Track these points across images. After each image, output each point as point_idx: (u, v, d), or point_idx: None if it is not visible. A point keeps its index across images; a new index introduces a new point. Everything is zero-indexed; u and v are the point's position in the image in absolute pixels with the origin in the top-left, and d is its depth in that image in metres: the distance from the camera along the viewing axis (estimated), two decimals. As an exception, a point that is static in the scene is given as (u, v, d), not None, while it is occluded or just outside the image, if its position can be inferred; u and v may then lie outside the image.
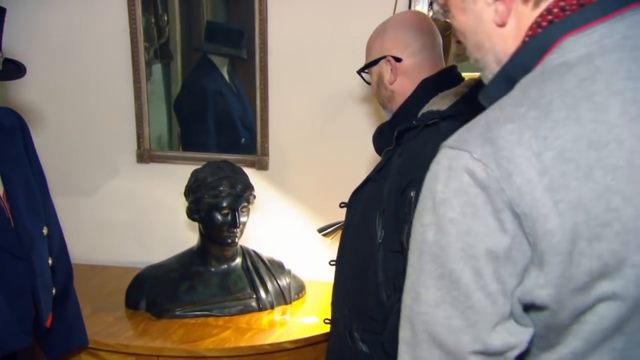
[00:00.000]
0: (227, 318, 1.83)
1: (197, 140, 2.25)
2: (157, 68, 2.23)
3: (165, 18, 2.18)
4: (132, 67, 2.12)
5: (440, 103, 1.25)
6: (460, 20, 0.76)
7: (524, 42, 0.69)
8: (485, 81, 0.76)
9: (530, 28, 0.68)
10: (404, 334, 0.72)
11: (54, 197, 1.62)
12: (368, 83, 1.44)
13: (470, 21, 0.74)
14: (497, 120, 0.65)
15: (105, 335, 1.71)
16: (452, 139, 0.68)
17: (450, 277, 0.65)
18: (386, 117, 1.43)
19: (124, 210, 2.22)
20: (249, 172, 1.95)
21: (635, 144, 0.60)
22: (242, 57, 2.14)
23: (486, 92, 0.74)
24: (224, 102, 2.22)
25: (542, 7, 0.67)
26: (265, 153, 2.12)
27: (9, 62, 1.39)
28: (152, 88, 2.19)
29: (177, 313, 1.83)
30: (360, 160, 1.93)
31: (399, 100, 1.34)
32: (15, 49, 2.01)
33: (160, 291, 1.87)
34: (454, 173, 0.65)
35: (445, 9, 0.78)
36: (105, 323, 1.78)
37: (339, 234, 1.96)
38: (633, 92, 0.61)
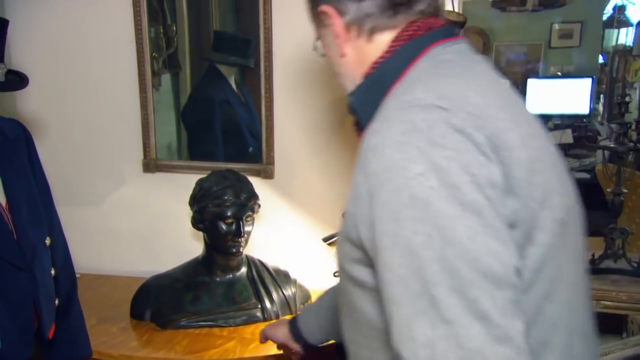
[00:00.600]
0: (231, 328, 1.82)
1: (205, 149, 2.26)
2: (166, 78, 2.24)
3: (174, 28, 2.19)
4: (138, 77, 2.13)
5: None
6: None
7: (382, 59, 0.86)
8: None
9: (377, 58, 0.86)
10: (442, 281, 0.64)
11: (60, 207, 1.62)
12: None
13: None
14: (433, 84, 0.76)
15: (108, 346, 1.70)
16: (413, 102, 0.74)
17: (473, 208, 0.65)
18: None
19: (130, 220, 2.23)
20: (255, 181, 1.94)
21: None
22: (250, 66, 2.14)
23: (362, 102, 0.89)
24: (231, 111, 2.22)
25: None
26: (270, 162, 2.11)
27: (11, 73, 1.40)
28: (160, 98, 2.20)
29: (182, 323, 1.82)
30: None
31: None
32: (21, 60, 2.03)
33: (165, 301, 1.86)
34: (431, 124, 0.69)
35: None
36: (110, 334, 1.78)
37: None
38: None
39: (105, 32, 2.12)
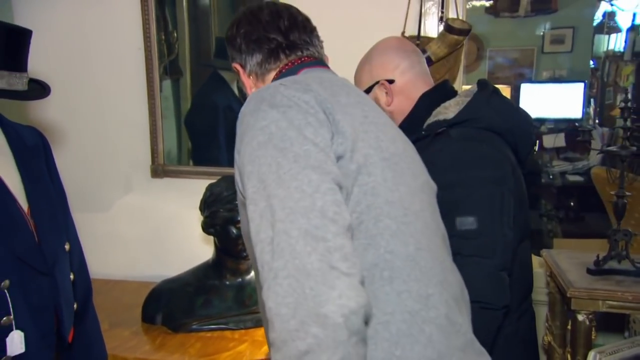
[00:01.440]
0: (243, 331, 1.85)
1: (209, 155, 2.28)
2: (167, 84, 2.27)
3: (175, 35, 2.22)
4: (146, 84, 2.17)
5: (445, 113, 1.32)
6: None
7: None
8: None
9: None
10: (276, 194, 0.85)
11: (72, 213, 1.65)
12: None
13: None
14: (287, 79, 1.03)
15: (122, 350, 1.73)
16: (267, 86, 1.02)
17: (298, 142, 0.88)
18: None
19: (139, 225, 2.26)
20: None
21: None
22: None
23: None
24: (234, 116, 2.24)
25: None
26: (278, 167, 2.14)
27: (33, 82, 1.42)
28: (163, 104, 2.22)
29: (194, 327, 1.85)
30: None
31: (399, 117, 1.39)
32: (31, 67, 2.05)
33: (176, 305, 1.88)
34: (272, 93, 0.95)
35: None
36: (122, 338, 1.81)
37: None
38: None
39: (113, 39, 2.16)
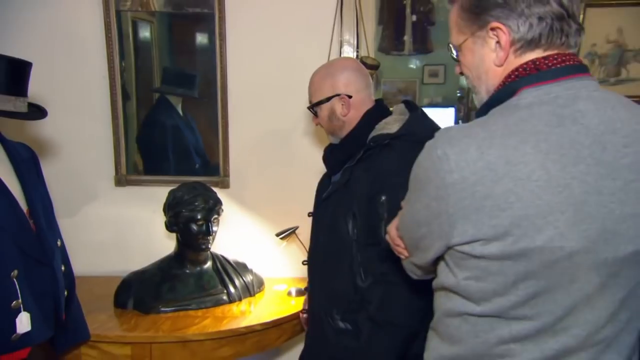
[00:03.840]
0: (204, 310, 1.93)
1: (160, 166, 2.33)
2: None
3: (123, 64, 2.26)
4: (110, 107, 2.20)
5: (388, 128, 1.40)
6: (468, 58, 0.92)
7: (502, 84, 0.86)
8: (477, 102, 0.94)
9: (508, 76, 0.85)
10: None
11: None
12: (316, 115, 1.54)
13: (476, 60, 0.91)
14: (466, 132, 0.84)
15: (103, 330, 1.76)
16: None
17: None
18: (333, 141, 1.55)
19: (104, 227, 2.27)
20: (214, 190, 2.07)
21: (535, 168, 0.76)
22: (195, 96, 2.26)
23: (479, 112, 0.91)
24: (180, 134, 2.31)
25: (524, 59, 0.85)
26: (227, 174, 2.26)
27: (32, 105, 1.47)
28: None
29: (162, 309, 1.90)
30: (303, 180, 2.07)
31: (348, 128, 1.48)
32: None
33: (145, 292, 1.93)
34: None
35: (458, 49, 0.93)
36: (100, 321, 1.82)
37: (293, 236, 2.15)
38: (545, 135, 0.78)
39: (82, 68, 2.17)
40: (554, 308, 0.80)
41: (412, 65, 5.63)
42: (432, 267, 0.94)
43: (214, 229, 1.96)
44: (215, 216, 1.97)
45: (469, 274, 0.83)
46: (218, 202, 1.98)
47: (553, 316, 0.81)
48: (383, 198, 1.29)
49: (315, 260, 1.54)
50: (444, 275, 0.90)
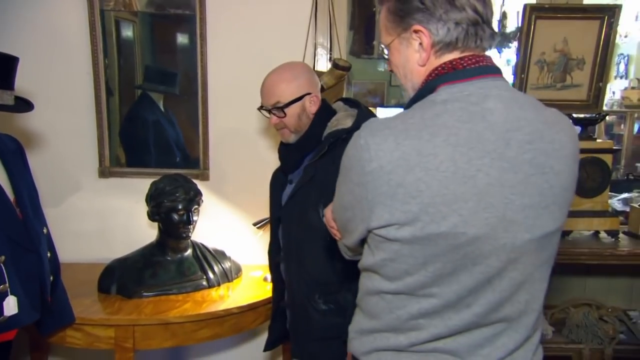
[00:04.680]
0: (185, 295, 1.93)
1: (141, 159, 2.31)
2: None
3: (106, 62, 2.24)
4: (94, 102, 2.17)
5: (342, 123, 1.44)
6: (395, 58, 0.94)
7: (425, 82, 0.89)
8: (405, 98, 0.95)
9: (429, 75, 0.88)
10: None
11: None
12: (282, 115, 1.50)
13: (402, 60, 0.92)
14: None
15: (87, 313, 1.74)
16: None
17: None
18: (291, 141, 1.53)
19: (88, 217, 2.24)
20: (194, 182, 2.07)
21: (444, 159, 0.79)
22: (176, 93, 2.26)
23: (405, 107, 0.92)
24: (161, 129, 2.30)
25: (443, 59, 0.87)
26: (206, 167, 2.26)
27: (18, 99, 1.45)
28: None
29: (144, 294, 1.89)
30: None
31: (309, 125, 1.50)
32: None
33: (128, 277, 1.92)
34: None
35: (387, 49, 0.95)
36: (84, 305, 1.81)
37: (268, 226, 2.16)
38: (456, 129, 0.80)
39: (67, 65, 2.14)
40: (458, 288, 0.84)
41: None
42: (360, 248, 0.97)
43: (194, 218, 1.96)
44: (196, 206, 1.98)
45: (385, 255, 0.86)
46: (198, 193, 1.99)
47: (457, 295, 0.84)
48: None
49: (291, 253, 1.55)
50: (366, 257, 0.93)
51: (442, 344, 0.88)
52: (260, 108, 1.58)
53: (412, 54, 0.89)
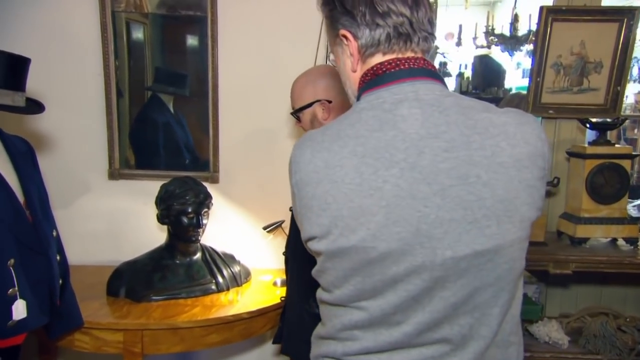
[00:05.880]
0: (194, 299, 1.90)
1: (151, 161, 2.30)
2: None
3: (117, 63, 2.23)
4: (105, 103, 2.16)
5: None
6: (338, 64, 0.92)
7: (358, 89, 0.87)
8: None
9: (360, 82, 0.86)
10: None
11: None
12: (299, 120, 1.51)
13: (341, 66, 0.91)
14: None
15: (96, 317, 1.73)
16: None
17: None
18: None
19: (98, 219, 2.23)
20: (204, 185, 2.05)
21: (349, 171, 0.76)
22: (186, 95, 2.24)
23: None
24: (171, 131, 2.30)
25: (369, 65, 0.85)
26: (216, 170, 2.24)
27: (30, 100, 1.43)
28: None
29: (153, 297, 1.88)
30: (288, 176, 2.08)
31: None
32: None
33: (137, 281, 1.90)
34: None
35: (333, 56, 0.94)
36: (93, 308, 1.79)
37: (279, 230, 2.14)
38: (364, 139, 0.77)
39: (78, 66, 2.13)
40: (383, 304, 0.80)
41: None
42: None
43: (204, 221, 1.94)
44: (205, 209, 1.96)
45: (317, 267, 0.86)
46: (208, 196, 1.97)
47: (382, 311, 0.80)
48: None
49: (292, 252, 1.54)
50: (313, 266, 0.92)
51: (376, 358, 0.83)
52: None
53: (346, 60, 0.88)
